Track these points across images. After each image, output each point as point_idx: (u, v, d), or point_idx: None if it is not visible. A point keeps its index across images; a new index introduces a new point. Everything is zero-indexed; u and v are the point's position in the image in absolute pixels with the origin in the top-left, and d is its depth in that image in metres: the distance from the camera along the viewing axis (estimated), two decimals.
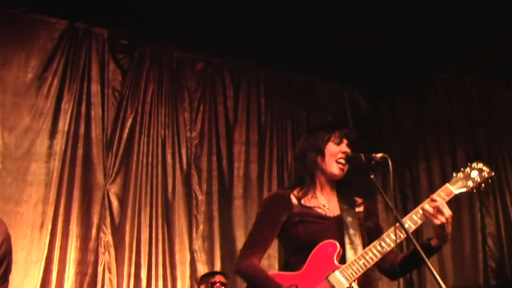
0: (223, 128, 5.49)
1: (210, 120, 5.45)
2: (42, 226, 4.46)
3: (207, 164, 5.30)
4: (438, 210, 2.26)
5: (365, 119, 6.28)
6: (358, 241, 2.34)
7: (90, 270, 4.54)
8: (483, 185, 2.42)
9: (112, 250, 4.68)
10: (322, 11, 4.75)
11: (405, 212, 2.92)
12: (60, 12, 4.85)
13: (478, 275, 5.05)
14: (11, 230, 2.58)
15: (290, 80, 5.99)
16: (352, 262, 2.26)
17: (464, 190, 2.39)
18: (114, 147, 4.92)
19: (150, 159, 5.03)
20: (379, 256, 2.26)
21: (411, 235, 2.18)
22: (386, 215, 5.53)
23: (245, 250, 2.42)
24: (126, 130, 5.02)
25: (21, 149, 4.54)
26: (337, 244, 2.31)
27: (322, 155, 2.48)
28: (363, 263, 2.25)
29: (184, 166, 5.19)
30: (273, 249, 5.07)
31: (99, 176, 4.80)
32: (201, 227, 5.09)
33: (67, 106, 4.80)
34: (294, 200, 2.46)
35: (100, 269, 4.57)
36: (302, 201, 2.46)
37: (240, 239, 5.08)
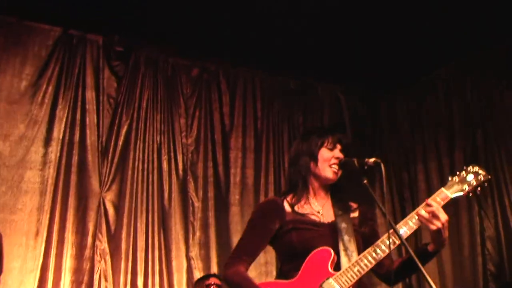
0: (219, 134, 5.45)
1: (206, 126, 5.41)
2: (37, 234, 4.42)
3: (203, 170, 5.26)
4: (434, 215, 2.22)
5: (364, 119, 6.23)
6: (352, 247, 2.31)
7: (86, 278, 4.49)
8: (479, 188, 2.39)
9: (108, 258, 4.63)
10: (318, 13, 4.73)
11: (403, 215, 2.89)
12: (54, 19, 4.82)
13: (477, 278, 5.01)
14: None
15: (287, 83, 5.94)
16: (346, 269, 2.23)
17: (460, 194, 2.36)
18: (110, 154, 4.88)
19: (145, 165, 4.98)
20: (373, 262, 2.23)
21: (405, 241, 2.15)
22: (384, 220, 5.48)
23: (232, 257, 2.40)
24: (122, 137, 4.98)
25: (15, 157, 4.51)
26: (331, 251, 2.28)
27: (315, 160, 2.45)
28: (358, 270, 2.22)
29: (180, 172, 5.16)
30: (271, 256, 5.04)
31: (95, 183, 4.76)
32: (197, 234, 5.05)
33: (62, 114, 4.77)
34: (287, 207, 2.43)
35: (96, 277, 4.53)
36: (296, 208, 2.43)
37: None
